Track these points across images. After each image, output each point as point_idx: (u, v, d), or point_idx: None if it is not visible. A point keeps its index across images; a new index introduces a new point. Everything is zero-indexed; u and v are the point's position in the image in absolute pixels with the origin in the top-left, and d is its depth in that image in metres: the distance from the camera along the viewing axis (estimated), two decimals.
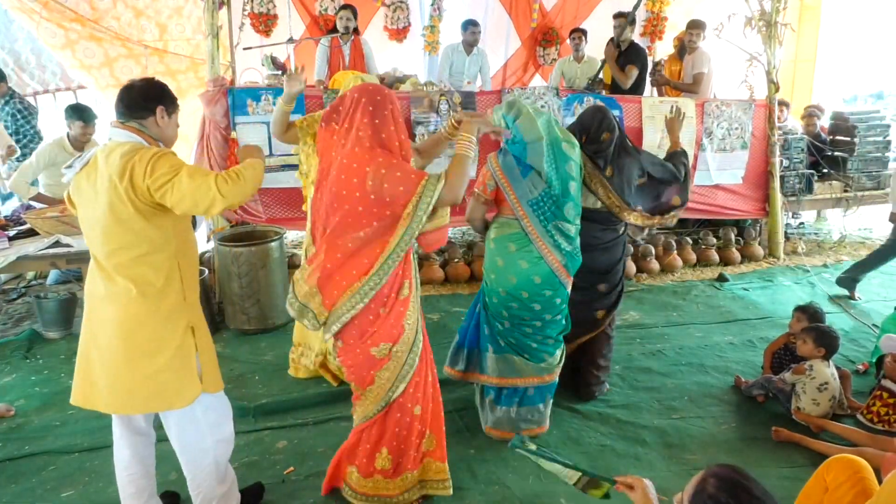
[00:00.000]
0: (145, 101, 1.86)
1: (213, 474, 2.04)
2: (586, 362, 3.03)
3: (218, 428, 2.03)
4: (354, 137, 1.94)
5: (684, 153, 3.07)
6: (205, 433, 1.99)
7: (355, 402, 2.18)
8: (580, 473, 1.63)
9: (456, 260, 4.74)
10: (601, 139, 2.78)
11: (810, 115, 5.92)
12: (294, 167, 3.43)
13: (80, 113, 3.98)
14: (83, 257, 3.49)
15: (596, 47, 5.82)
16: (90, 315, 1.90)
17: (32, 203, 4.09)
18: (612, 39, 5.49)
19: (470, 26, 5.46)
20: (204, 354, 1.95)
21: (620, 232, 2.95)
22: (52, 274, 4.59)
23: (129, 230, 1.78)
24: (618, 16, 5.44)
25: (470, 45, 5.48)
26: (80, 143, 4.07)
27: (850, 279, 4.47)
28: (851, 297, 4.40)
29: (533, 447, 1.69)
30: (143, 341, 1.82)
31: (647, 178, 2.87)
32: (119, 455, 2.07)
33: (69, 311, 3.85)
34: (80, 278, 3.62)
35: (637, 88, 5.35)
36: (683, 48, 5.59)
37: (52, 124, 4.91)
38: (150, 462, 2.11)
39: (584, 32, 5.76)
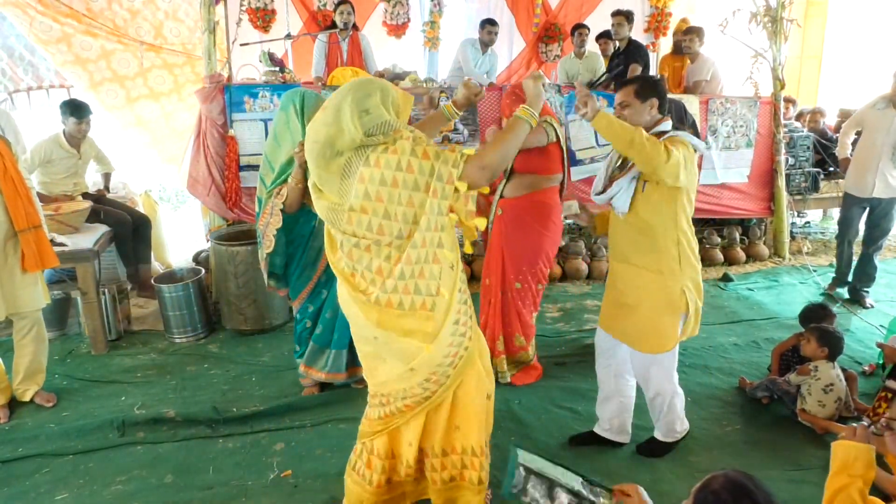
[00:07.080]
0: None
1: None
2: None
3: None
4: None
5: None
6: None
7: None
8: (581, 478, 1.63)
9: None
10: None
11: (814, 111, 5.87)
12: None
13: (74, 109, 3.91)
14: (77, 256, 3.45)
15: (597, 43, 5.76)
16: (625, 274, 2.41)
17: None
18: (606, 33, 5.43)
19: (487, 25, 5.31)
20: None
21: None
22: (46, 273, 4.52)
23: None
24: (616, 14, 5.40)
25: (486, 44, 5.39)
26: (75, 140, 4.02)
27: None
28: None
29: (534, 456, 1.66)
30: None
31: None
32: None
33: (63, 311, 3.79)
34: (73, 277, 3.55)
35: None
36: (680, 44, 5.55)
37: (47, 121, 4.86)
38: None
39: (587, 29, 5.71)
